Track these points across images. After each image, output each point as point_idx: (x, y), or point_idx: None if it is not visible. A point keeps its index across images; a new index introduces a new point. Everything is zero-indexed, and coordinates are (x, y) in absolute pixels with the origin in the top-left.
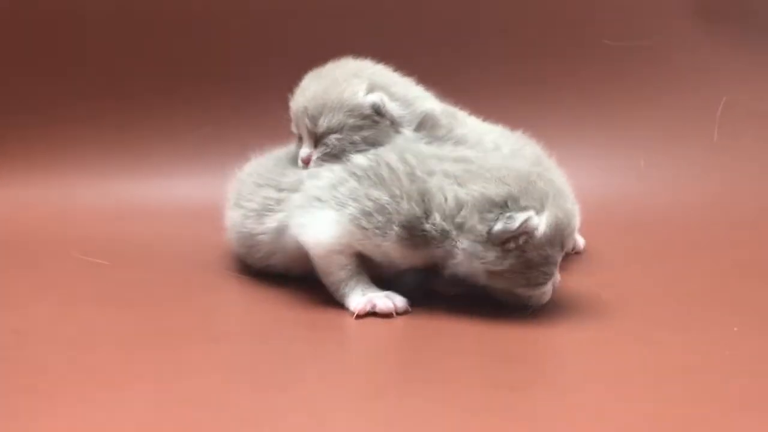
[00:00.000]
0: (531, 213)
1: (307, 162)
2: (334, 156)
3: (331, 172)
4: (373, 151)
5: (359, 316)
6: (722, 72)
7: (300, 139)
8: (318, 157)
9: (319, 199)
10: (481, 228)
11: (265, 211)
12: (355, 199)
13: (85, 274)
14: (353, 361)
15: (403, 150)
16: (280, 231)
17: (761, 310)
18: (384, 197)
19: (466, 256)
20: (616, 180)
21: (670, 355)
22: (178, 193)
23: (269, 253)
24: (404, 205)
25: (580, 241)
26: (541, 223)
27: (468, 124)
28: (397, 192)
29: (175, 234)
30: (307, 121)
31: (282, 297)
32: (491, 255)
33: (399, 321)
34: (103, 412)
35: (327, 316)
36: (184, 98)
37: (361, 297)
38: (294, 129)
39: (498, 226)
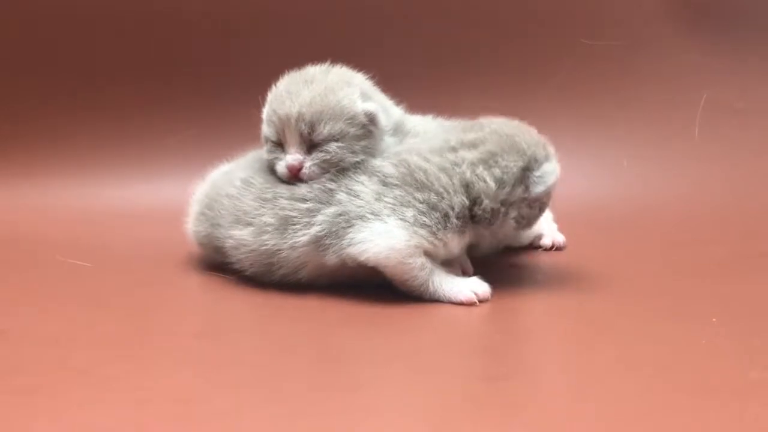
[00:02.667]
0: (553, 163)
1: (297, 170)
2: (333, 164)
3: (364, 186)
4: (390, 157)
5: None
6: (703, 70)
7: (276, 145)
8: (315, 164)
9: (370, 214)
10: (524, 195)
11: (287, 225)
12: (406, 204)
13: (68, 276)
14: (333, 354)
15: (417, 150)
16: (316, 244)
17: (740, 302)
18: (432, 197)
19: (514, 221)
20: (599, 178)
21: (649, 345)
22: (159, 197)
23: (297, 268)
24: (455, 198)
25: (561, 237)
26: (557, 168)
27: (410, 118)
28: (442, 189)
29: (157, 237)
30: (303, 127)
31: (264, 295)
32: (534, 212)
33: (372, 312)
34: (90, 410)
35: (304, 310)
36: (166, 102)
37: (462, 288)
38: (272, 135)
39: (539, 189)
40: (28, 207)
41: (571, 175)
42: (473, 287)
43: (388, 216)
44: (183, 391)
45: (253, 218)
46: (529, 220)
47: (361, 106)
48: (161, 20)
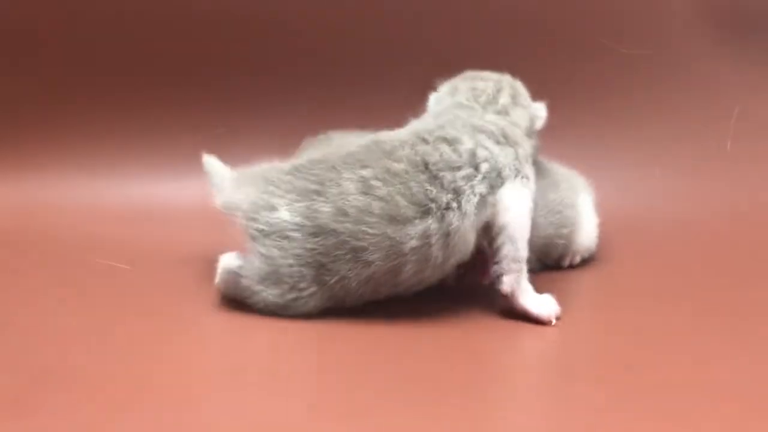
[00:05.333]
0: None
1: None
2: None
3: (491, 144)
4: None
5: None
6: (736, 82)
7: None
8: None
9: (509, 171)
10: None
11: (459, 195)
12: (523, 160)
13: (110, 279)
14: (334, 367)
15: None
16: (480, 205)
17: None
18: (521, 150)
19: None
20: (631, 189)
21: (710, 364)
22: (185, 195)
23: (468, 242)
24: (527, 146)
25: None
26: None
27: None
28: (521, 141)
29: (194, 237)
30: None
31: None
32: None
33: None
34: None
35: (348, 332)
36: (194, 100)
37: (546, 302)
38: None
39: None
40: (57, 205)
41: (602, 185)
42: (553, 305)
43: (516, 176)
44: (223, 400)
45: (428, 203)
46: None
47: None
48: (189, 14)
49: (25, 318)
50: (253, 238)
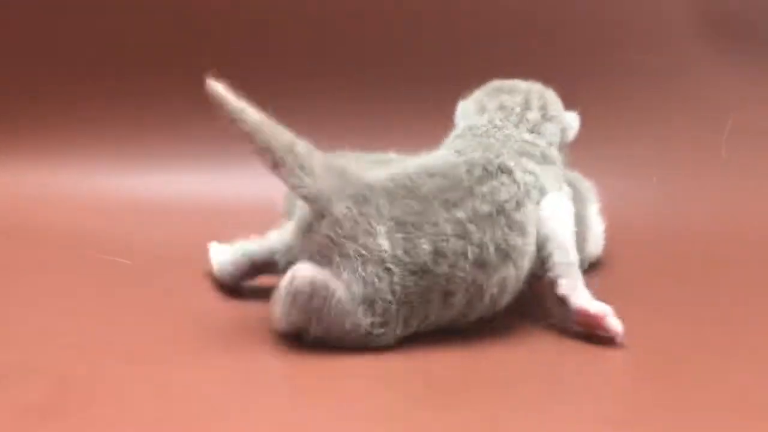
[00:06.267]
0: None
1: None
2: None
3: (530, 165)
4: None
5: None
6: (731, 90)
7: None
8: None
9: (550, 185)
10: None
11: (503, 253)
12: (559, 179)
13: (112, 276)
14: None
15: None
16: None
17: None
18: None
19: None
20: (629, 196)
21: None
22: (195, 189)
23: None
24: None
25: None
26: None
27: None
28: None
29: (195, 233)
30: None
31: None
32: None
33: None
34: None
35: None
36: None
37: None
38: None
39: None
40: (51, 198)
41: (600, 194)
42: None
43: (558, 189)
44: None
45: (508, 249)
46: None
47: None
48: (188, 7)
49: (36, 320)
50: (348, 258)
